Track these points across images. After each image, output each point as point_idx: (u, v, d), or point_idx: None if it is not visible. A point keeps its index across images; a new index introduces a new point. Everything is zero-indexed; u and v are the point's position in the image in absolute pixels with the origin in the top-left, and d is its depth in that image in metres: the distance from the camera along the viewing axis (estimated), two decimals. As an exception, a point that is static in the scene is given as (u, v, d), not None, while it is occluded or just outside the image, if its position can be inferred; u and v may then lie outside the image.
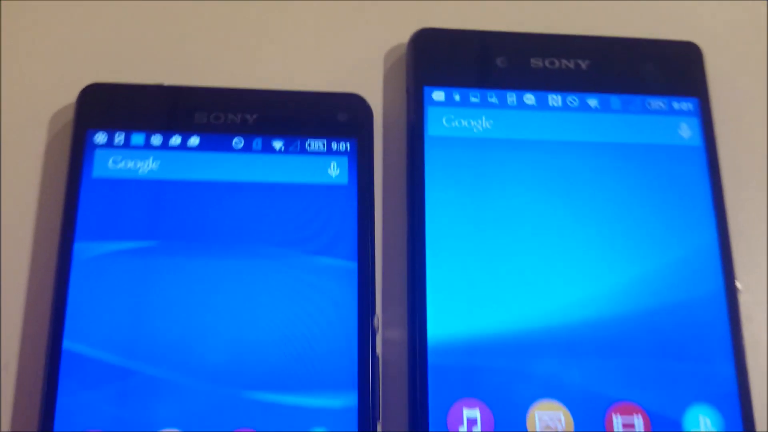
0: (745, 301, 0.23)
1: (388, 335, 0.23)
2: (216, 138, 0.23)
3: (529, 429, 0.21)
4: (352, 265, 0.22)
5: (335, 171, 0.23)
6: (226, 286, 0.22)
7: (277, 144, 0.23)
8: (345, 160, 0.23)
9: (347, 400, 0.21)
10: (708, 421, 0.22)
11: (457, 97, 0.24)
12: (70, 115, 0.24)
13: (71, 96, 0.24)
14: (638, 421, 0.21)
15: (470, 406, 0.21)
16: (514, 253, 0.23)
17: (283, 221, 0.23)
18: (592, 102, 0.25)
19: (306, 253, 0.22)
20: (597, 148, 0.24)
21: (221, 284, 0.22)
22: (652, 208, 0.24)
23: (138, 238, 0.22)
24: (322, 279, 0.22)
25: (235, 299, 0.22)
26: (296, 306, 0.22)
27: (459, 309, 0.22)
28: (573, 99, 0.25)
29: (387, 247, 0.24)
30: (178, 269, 0.22)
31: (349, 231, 0.23)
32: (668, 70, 0.25)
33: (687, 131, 0.25)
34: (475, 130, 0.24)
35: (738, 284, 0.23)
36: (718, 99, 0.25)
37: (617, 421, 0.21)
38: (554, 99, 0.25)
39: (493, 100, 0.24)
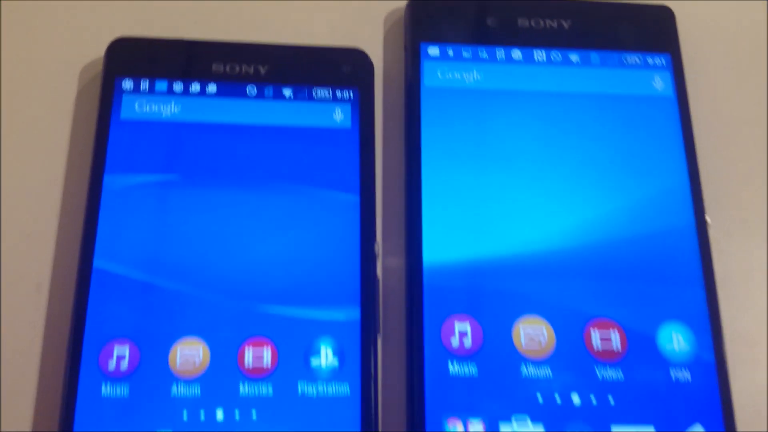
0: (714, 234, 0.25)
1: (387, 263, 0.25)
2: (231, 86, 0.26)
3: (514, 341, 0.23)
4: (355, 198, 0.25)
5: (339, 116, 0.26)
6: (242, 215, 0.24)
7: (287, 92, 0.26)
8: (348, 106, 0.26)
9: (351, 315, 0.23)
10: (680, 337, 0.24)
11: (450, 53, 0.27)
12: (98, 67, 0.26)
13: (99, 51, 0.26)
14: (614, 336, 0.24)
15: (461, 321, 0.24)
16: (502, 188, 0.25)
17: (293, 160, 0.25)
18: (574, 57, 0.27)
19: (313, 186, 0.25)
20: (578, 98, 0.27)
21: (237, 213, 0.24)
22: (629, 151, 0.26)
23: (161, 172, 0.24)
24: (328, 209, 0.24)
25: (249, 226, 0.24)
26: (305, 233, 0.24)
27: (452, 237, 0.24)
28: (556, 54, 0.27)
29: (387, 183, 0.26)
30: (197, 199, 0.24)
31: (352, 168, 0.25)
32: (643, 30, 0.28)
33: (660, 83, 0.27)
34: (466, 81, 0.27)
35: (707, 218, 0.25)
36: (689, 55, 0.28)
37: (595, 335, 0.24)
38: (539, 54, 0.27)
39: (483, 55, 0.27)
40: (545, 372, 0.23)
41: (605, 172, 0.26)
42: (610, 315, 0.24)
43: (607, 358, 0.23)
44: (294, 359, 0.22)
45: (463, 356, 0.23)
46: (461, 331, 0.23)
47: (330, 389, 0.22)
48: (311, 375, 0.22)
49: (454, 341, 0.23)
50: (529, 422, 0.22)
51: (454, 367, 0.23)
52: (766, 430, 0.24)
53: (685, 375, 0.23)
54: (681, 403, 0.23)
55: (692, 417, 0.23)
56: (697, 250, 0.25)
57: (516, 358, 0.23)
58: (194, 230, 0.24)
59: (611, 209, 0.25)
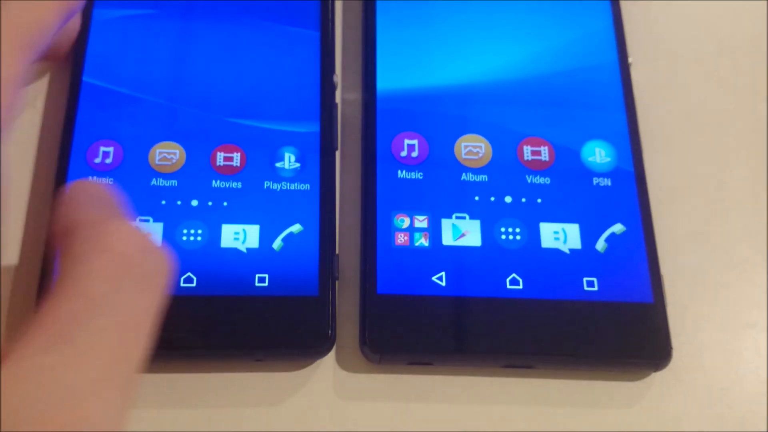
0: (635, 73, 0.29)
1: (346, 96, 0.28)
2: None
3: (456, 153, 0.26)
4: (315, 34, 0.28)
5: None
6: (215, 44, 0.27)
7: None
8: None
9: (311, 128, 0.26)
10: (602, 152, 0.27)
11: None
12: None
13: None
14: (544, 150, 0.27)
15: (410, 138, 0.27)
16: (449, 28, 0.28)
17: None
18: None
19: (281, 23, 0.28)
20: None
21: (211, 42, 0.27)
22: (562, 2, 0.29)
23: (143, 7, 0.28)
24: (293, 43, 0.28)
25: (222, 54, 0.27)
26: (272, 62, 0.27)
27: (403, 68, 0.28)
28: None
29: (346, 20, 0.29)
30: (176, 29, 0.27)
31: (315, 8, 0.28)
32: None
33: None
34: None
35: (630, 58, 0.28)
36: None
37: (527, 149, 0.27)
38: None
39: None
40: (482, 178, 0.26)
41: (541, 17, 0.29)
42: (541, 134, 0.27)
43: (537, 167, 0.26)
44: (260, 162, 0.26)
45: (410, 165, 0.26)
46: (410, 145, 0.26)
47: (292, 186, 0.25)
48: (276, 175, 0.25)
49: (403, 153, 0.26)
50: (467, 218, 0.26)
51: (402, 173, 0.26)
52: (766, 430, 0.25)
53: (606, 182, 0.26)
54: (603, 205, 0.26)
55: (614, 217, 0.26)
56: (619, 82, 0.28)
57: (457, 167, 0.26)
58: (171, 53, 0.27)
59: (546, 47, 0.28)
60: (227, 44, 0.27)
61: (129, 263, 0.16)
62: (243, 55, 0.27)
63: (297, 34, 0.28)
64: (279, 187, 0.25)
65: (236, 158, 0.26)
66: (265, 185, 0.25)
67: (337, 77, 0.27)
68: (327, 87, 0.27)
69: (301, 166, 0.26)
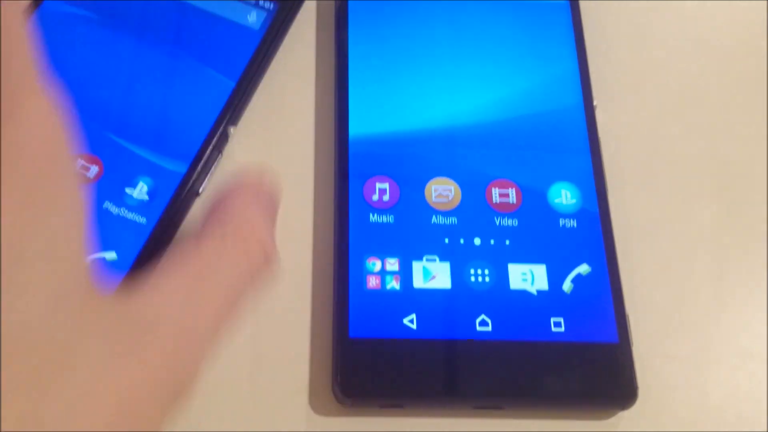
0: (600, 114, 0.29)
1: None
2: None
3: (426, 196, 0.27)
4: (231, 84, 0.28)
5: (253, 18, 0.29)
6: (132, 64, 0.28)
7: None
8: (264, 14, 0.30)
9: (178, 168, 0.27)
10: (568, 193, 0.28)
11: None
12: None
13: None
14: (512, 192, 0.27)
15: (381, 182, 0.27)
16: (418, 74, 0.29)
17: (196, 36, 0.29)
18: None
19: (203, 63, 0.29)
20: (485, 3, 0.31)
21: (127, 61, 0.28)
22: (529, 44, 0.30)
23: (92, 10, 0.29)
24: (206, 84, 0.28)
25: (136, 73, 0.28)
26: (177, 91, 0.28)
27: (375, 112, 0.28)
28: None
29: (319, 66, 0.30)
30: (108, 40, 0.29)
31: (242, 60, 0.29)
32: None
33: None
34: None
35: (594, 102, 0.29)
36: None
37: (495, 192, 0.27)
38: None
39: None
40: (452, 220, 0.27)
41: (507, 62, 0.30)
42: (508, 176, 0.28)
43: (505, 209, 0.27)
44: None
45: (382, 209, 0.27)
46: (381, 189, 0.27)
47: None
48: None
49: (375, 197, 0.27)
50: (437, 261, 0.26)
51: (374, 217, 0.27)
52: (766, 430, 0.26)
53: (572, 223, 0.27)
54: (570, 246, 0.27)
55: (580, 258, 0.27)
56: (584, 124, 0.29)
57: (427, 209, 0.27)
58: (88, 66, 0.28)
59: (513, 92, 0.29)
60: (140, 68, 0.28)
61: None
62: (148, 79, 0.28)
63: (213, 77, 0.28)
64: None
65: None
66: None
67: (233, 130, 0.28)
68: (215, 132, 0.28)
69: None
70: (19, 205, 0.14)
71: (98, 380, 0.14)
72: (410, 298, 0.25)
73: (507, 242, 0.26)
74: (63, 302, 0.14)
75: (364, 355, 0.24)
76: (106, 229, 0.25)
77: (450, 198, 0.27)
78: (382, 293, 0.25)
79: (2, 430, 0.13)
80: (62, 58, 0.28)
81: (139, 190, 0.26)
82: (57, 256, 0.14)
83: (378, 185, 0.27)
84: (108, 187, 0.26)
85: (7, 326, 0.13)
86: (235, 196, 0.19)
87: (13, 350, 0.13)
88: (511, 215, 0.27)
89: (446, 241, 0.26)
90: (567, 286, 0.26)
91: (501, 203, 0.27)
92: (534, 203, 0.27)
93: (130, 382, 0.15)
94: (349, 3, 0.30)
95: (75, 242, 0.15)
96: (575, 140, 0.29)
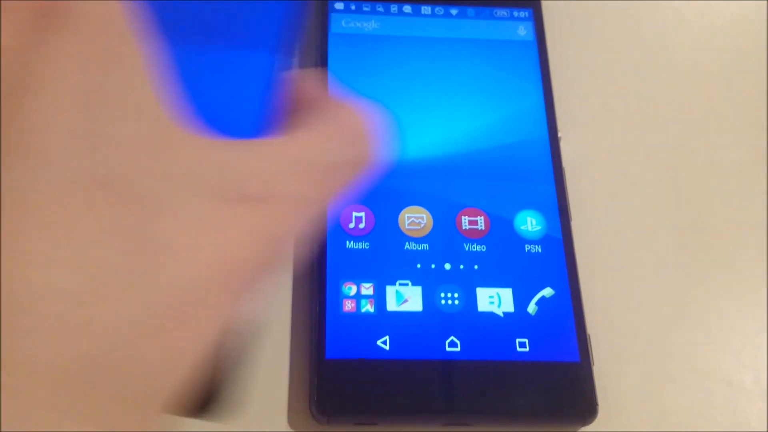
0: (564, 146, 0.31)
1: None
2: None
3: (399, 224, 0.29)
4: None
5: None
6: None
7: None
8: None
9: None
10: (533, 221, 0.29)
11: (353, 7, 0.33)
12: None
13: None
14: (480, 220, 0.29)
15: (358, 211, 0.29)
16: (394, 106, 0.31)
17: None
18: (453, 11, 0.33)
19: None
20: (457, 42, 0.33)
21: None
22: (498, 81, 0.32)
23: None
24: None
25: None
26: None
27: (350, 145, 0.30)
28: (439, 9, 0.33)
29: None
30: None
31: None
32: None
33: (523, 31, 0.33)
34: (365, 29, 0.32)
35: (559, 134, 0.31)
36: (549, 9, 0.34)
37: (465, 219, 0.29)
38: (426, 9, 0.33)
39: (380, 9, 0.33)
40: (424, 247, 0.28)
41: (478, 97, 0.31)
42: (477, 205, 0.29)
43: (474, 236, 0.29)
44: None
45: (358, 236, 0.28)
46: (357, 217, 0.29)
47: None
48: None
49: (351, 225, 0.28)
50: (410, 285, 0.28)
51: (350, 244, 0.28)
52: (765, 430, 0.27)
53: (537, 249, 0.29)
54: (535, 270, 0.28)
55: (544, 281, 0.28)
56: (549, 155, 0.31)
57: (401, 237, 0.28)
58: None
59: (482, 124, 0.31)
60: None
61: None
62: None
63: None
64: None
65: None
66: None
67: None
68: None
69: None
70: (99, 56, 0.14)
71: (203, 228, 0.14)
72: (384, 320, 0.27)
73: (475, 267, 0.28)
74: (160, 150, 0.14)
75: (340, 375, 0.26)
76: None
77: (422, 225, 0.29)
78: (358, 316, 0.27)
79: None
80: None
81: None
82: (143, 109, 0.15)
83: (354, 214, 0.29)
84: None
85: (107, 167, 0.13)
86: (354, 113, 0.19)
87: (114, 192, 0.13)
88: (479, 241, 0.29)
89: (418, 266, 0.28)
90: (532, 308, 0.27)
91: (470, 230, 0.29)
92: (501, 230, 0.29)
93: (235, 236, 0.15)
94: (329, 38, 0.32)
95: (151, 93, 0.15)
96: (540, 170, 0.30)
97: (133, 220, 0.14)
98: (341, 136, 0.18)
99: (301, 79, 0.19)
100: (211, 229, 0.15)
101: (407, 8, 0.33)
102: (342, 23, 0.32)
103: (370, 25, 0.33)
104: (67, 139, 0.14)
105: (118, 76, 0.15)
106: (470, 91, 0.32)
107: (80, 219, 0.13)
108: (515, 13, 0.33)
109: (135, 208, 0.14)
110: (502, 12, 0.33)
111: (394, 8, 0.33)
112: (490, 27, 0.33)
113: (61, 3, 0.15)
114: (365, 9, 0.33)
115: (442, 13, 0.33)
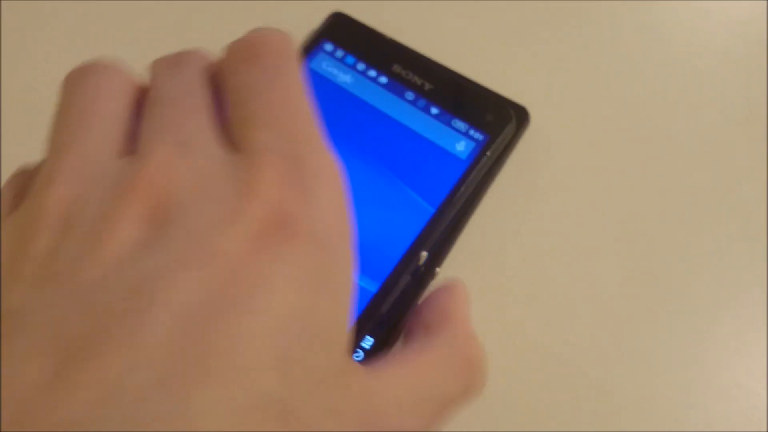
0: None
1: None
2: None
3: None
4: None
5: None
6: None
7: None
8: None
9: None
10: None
11: (339, 54, 0.36)
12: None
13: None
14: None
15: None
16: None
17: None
18: (420, 103, 0.35)
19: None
20: (399, 126, 0.34)
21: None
22: (408, 174, 0.33)
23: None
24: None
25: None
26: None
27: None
28: (409, 94, 0.35)
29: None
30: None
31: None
32: (485, 113, 0.35)
33: (462, 147, 0.34)
34: (337, 78, 0.35)
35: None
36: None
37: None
38: (399, 88, 0.35)
39: (360, 68, 0.35)
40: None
41: (385, 173, 0.33)
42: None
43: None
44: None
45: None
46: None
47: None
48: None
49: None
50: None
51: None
52: (765, 430, 0.27)
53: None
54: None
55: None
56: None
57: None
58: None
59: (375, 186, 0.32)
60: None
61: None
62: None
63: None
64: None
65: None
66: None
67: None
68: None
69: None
70: (314, 280, 0.15)
71: None
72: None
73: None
74: (331, 381, 0.15)
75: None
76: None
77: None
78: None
79: None
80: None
81: None
82: (331, 338, 0.16)
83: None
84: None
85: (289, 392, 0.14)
86: (455, 298, 0.21)
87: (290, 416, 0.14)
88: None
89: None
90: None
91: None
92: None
93: None
94: (306, 70, 0.35)
95: (344, 325, 0.16)
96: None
97: None
98: (463, 370, 0.19)
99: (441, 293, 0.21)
100: None
101: (383, 79, 0.35)
102: (323, 64, 0.35)
103: (345, 77, 0.35)
104: (261, 362, 0.14)
105: (325, 305, 0.16)
106: (383, 166, 0.33)
107: None
108: (470, 132, 0.34)
109: None
110: (460, 124, 0.34)
111: (372, 73, 0.35)
112: (440, 130, 0.34)
113: (295, 217, 0.15)
114: (348, 62, 0.35)
115: (411, 98, 0.35)
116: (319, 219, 0.16)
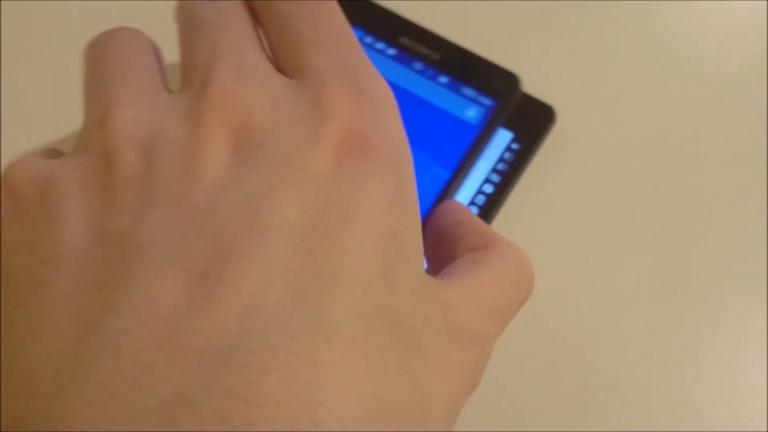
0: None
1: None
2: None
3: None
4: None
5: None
6: None
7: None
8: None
9: None
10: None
11: (346, 29, 0.36)
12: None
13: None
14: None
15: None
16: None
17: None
18: (429, 73, 0.35)
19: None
20: (410, 96, 0.35)
21: None
22: (419, 143, 0.34)
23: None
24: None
25: None
26: None
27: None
28: (418, 65, 0.35)
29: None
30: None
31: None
32: (493, 80, 0.35)
33: (473, 113, 0.34)
34: (346, 51, 0.36)
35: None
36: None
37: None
38: (407, 59, 0.35)
39: (368, 41, 0.36)
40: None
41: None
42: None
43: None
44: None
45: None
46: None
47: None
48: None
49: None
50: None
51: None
52: (766, 430, 0.27)
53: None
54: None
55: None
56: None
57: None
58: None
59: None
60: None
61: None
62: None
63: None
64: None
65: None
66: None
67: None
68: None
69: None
70: (395, 197, 0.16)
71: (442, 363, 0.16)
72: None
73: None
74: (423, 291, 0.16)
75: None
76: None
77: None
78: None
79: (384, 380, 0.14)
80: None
81: None
82: (416, 251, 0.17)
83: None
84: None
85: (384, 307, 0.15)
86: (467, 213, 0.22)
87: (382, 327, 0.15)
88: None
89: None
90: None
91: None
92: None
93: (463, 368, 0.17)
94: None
95: (421, 238, 0.17)
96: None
97: (403, 359, 0.15)
98: (518, 279, 0.20)
99: (463, 215, 0.22)
100: (450, 370, 0.16)
101: (391, 51, 0.36)
102: (330, 38, 0.36)
103: (353, 50, 0.36)
104: (372, 275, 0.15)
105: (407, 220, 0.16)
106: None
107: (370, 357, 0.14)
108: (480, 98, 0.35)
109: (407, 348, 0.15)
110: (470, 91, 0.35)
111: (380, 45, 0.36)
112: (449, 98, 0.35)
113: (370, 138, 0.16)
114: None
115: (420, 68, 0.35)
116: (389, 139, 0.16)
